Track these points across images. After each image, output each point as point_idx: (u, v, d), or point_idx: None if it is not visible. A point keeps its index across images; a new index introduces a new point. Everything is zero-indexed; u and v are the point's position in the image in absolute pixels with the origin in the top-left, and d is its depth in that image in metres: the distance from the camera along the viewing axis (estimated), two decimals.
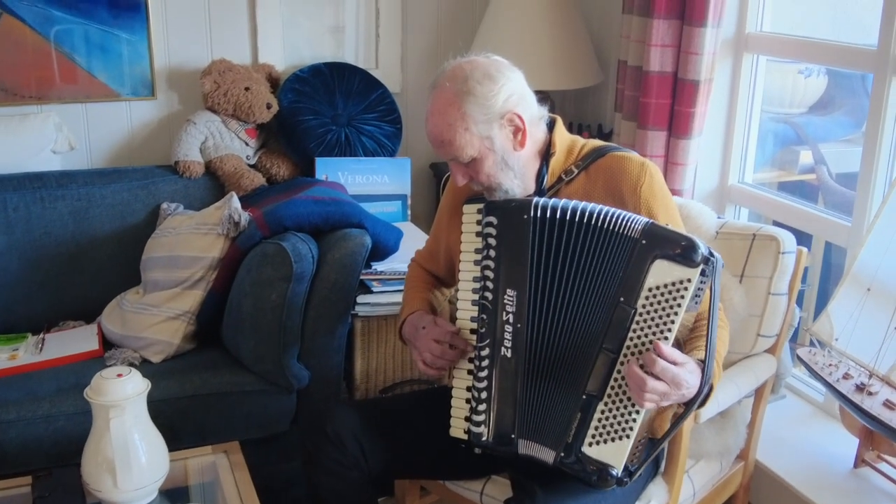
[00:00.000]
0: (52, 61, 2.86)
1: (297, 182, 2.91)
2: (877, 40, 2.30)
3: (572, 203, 1.69)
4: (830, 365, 2.25)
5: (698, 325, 1.74)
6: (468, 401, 1.80)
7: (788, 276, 2.14)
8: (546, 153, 1.87)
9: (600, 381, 1.65)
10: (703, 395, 1.64)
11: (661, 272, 1.58)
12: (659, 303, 1.59)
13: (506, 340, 1.73)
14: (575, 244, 1.67)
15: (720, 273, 1.59)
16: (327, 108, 3.05)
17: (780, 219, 2.71)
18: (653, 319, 1.60)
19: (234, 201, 2.56)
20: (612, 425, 1.65)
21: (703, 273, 1.56)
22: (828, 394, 2.46)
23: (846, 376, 2.19)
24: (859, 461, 2.35)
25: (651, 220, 1.63)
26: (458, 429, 1.83)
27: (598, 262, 1.65)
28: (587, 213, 1.67)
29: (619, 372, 1.63)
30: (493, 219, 1.74)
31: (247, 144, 2.97)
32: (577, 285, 1.68)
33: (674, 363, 1.58)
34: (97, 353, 2.50)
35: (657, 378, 1.57)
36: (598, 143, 1.93)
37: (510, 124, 1.78)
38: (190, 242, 2.56)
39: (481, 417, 1.77)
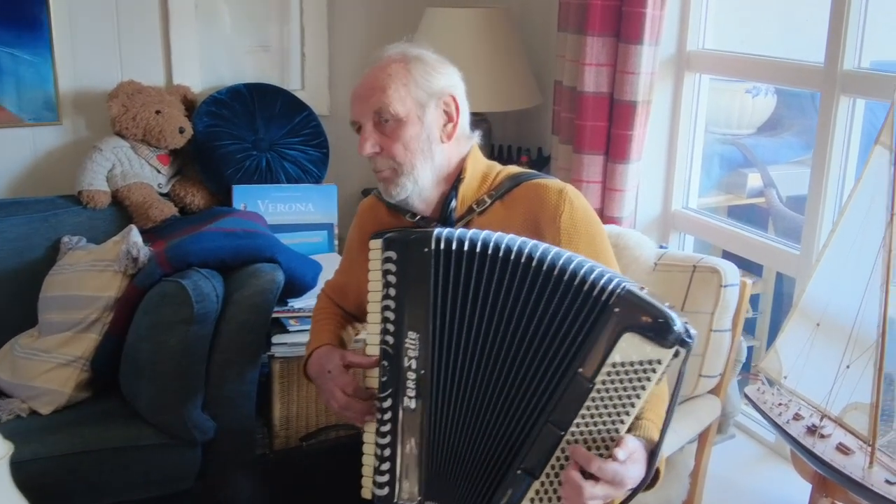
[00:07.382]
0: None
1: (211, 212, 2.71)
2: (823, 57, 2.17)
3: (483, 234, 1.51)
4: (780, 404, 2.10)
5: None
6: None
7: (731, 311, 2.02)
8: (457, 179, 1.71)
9: (540, 457, 1.45)
10: (646, 482, 1.44)
11: (630, 348, 1.38)
12: (621, 381, 1.39)
13: (408, 390, 1.54)
14: (490, 280, 1.48)
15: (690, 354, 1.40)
16: (247, 132, 2.86)
17: (728, 246, 2.58)
18: (611, 399, 1.40)
19: (133, 235, 2.36)
20: None
21: (675, 355, 1.37)
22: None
23: (797, 417, 2.05)
24: None
25: (629, 286, 1.40)
26: (368, 489, 1.63)
27: (540, 310, 1.44)
28: (502, 246, 1.48)
29: (562, 451, 1.43)
30: (392, 254, 1.56)
31: (159, 172, 2.77)
32: (502, 330, 1.48)
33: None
34: None
35: (596, 480, 1.38)
36: (514, 170, 1.77)
37: (446, 108, 1.68)
38: (86, 280, 2.35)
39: (385, 478, 1.57)
